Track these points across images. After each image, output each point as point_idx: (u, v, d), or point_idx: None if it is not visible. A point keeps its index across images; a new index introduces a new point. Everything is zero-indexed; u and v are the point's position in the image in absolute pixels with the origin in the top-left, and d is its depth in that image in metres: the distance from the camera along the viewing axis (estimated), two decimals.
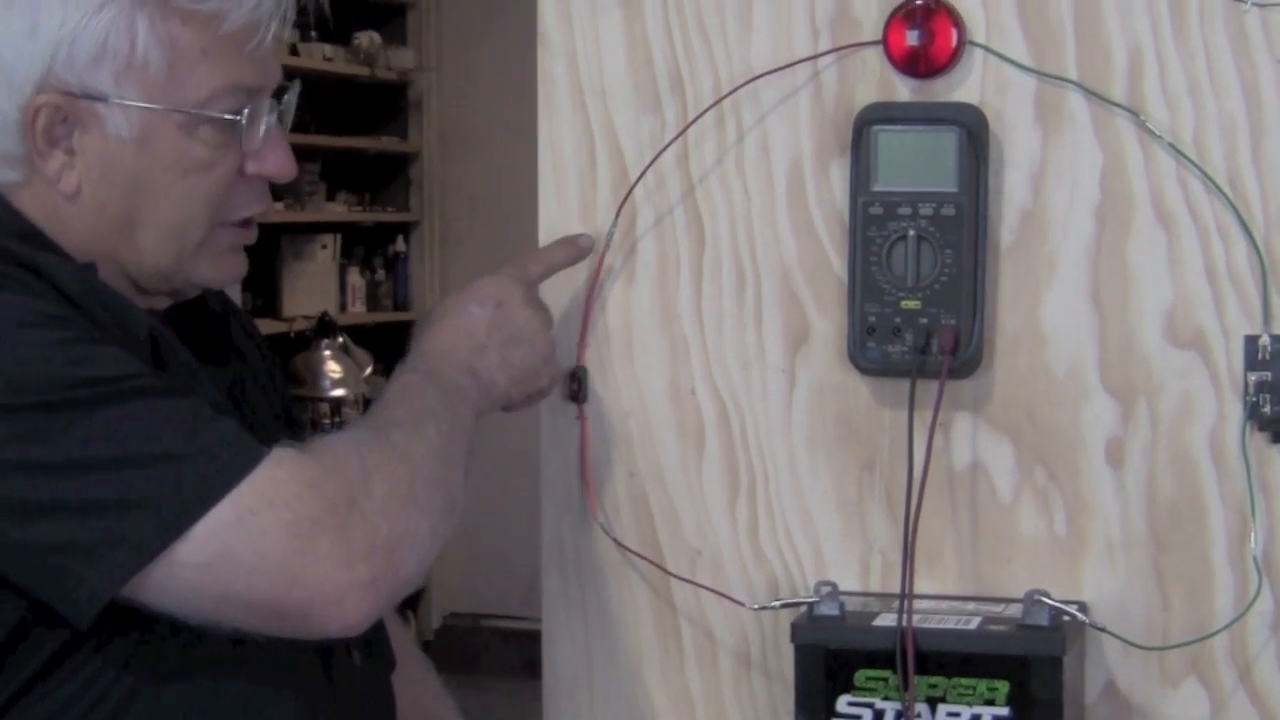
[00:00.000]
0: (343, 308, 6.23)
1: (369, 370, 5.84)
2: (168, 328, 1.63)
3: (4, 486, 1.42)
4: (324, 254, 6.15)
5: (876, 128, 1.68)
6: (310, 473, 1.45)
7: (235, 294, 2.00)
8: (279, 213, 5.58)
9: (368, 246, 6.43)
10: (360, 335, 6.06)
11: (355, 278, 6.31)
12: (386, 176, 6.44)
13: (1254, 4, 1.61)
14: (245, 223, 1.66)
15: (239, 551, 1.42)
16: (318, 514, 1.43)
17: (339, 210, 6.21)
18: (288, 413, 1.82)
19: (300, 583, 1.43)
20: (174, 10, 1.56)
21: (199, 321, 1.71)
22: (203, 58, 1.58)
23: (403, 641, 1.84)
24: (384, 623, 1.72)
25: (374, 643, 1.71)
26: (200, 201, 1.60)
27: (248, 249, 1.69)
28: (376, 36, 6.16)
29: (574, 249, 1.76)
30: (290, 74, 1.67)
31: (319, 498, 1.44)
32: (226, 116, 1.59)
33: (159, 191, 1.59)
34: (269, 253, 5.91)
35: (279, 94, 1.66)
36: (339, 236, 6.21)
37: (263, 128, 1.62)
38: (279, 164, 1.65)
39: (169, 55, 1.57)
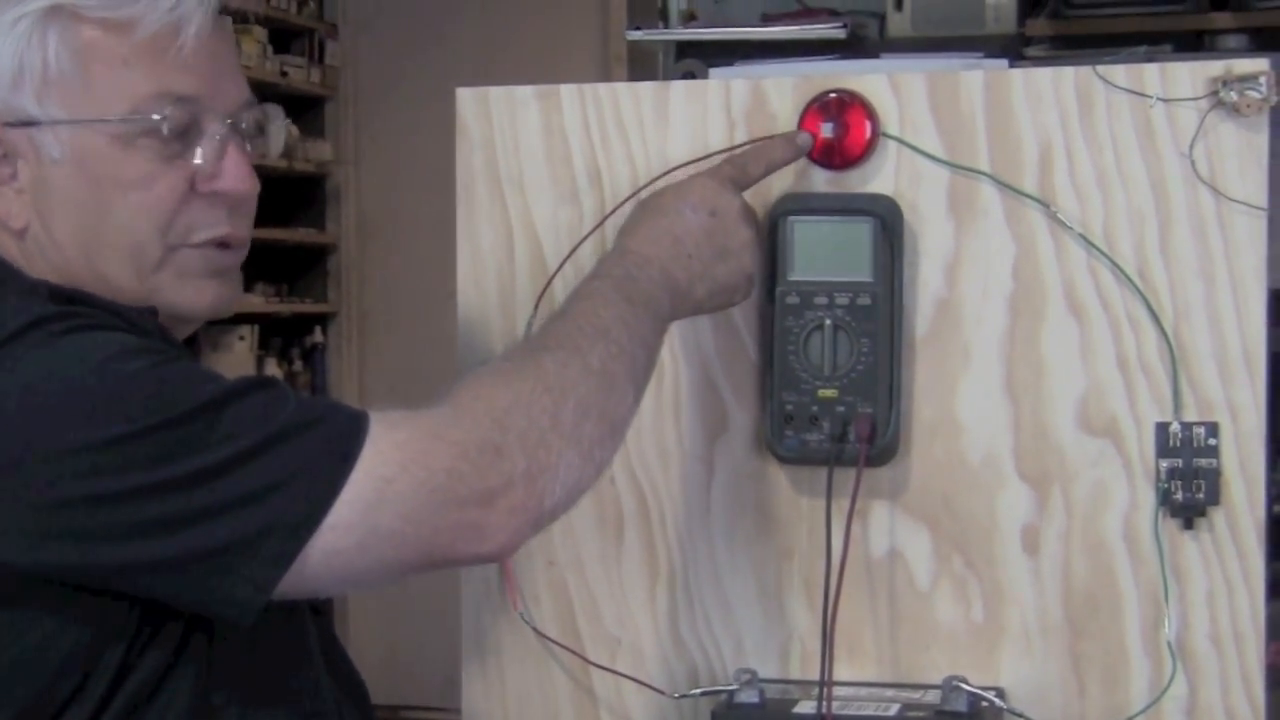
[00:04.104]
0: None
1: None
2: None
3: (156, 507, 1.40)
4: (241, 345, 6.11)
5: (792, 218, 1.70)
6: (432, 424, 1.45)
7: None
8: None
9: (285, 338, 6.40)
10: None
11: (273, 369, 6.26)
12: (304, 268, 6.42)
13: (1158, 99, 1.65)
14: (219, 245, 1.60)
15: (386, 523, 1.42)
16: (450, 463, 1.42)
17: (256, 301, 6.18)
18: None
19: (444, 530, 1.43)
20: (86, 20, 1.53)
21: None
22: (124, 66, 1.54)
23: None
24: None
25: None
26: (146, 220, 1.56)
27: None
28: (294, 128, 6.15)
29: (793, 146, 1.70)
30: None
31: (448, 447, 1.43)
32: (153, 118, 1.54)
33: (102, 212, 1.55)
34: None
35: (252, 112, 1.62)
36: (256, 328, 6.17)
37: (212, 141, 1.57)
38: (232, 179, 1.59)
39: (85, 66, 1.53)
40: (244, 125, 1.61)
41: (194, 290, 1.60)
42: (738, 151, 1.70)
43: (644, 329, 1.56)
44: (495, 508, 1.43)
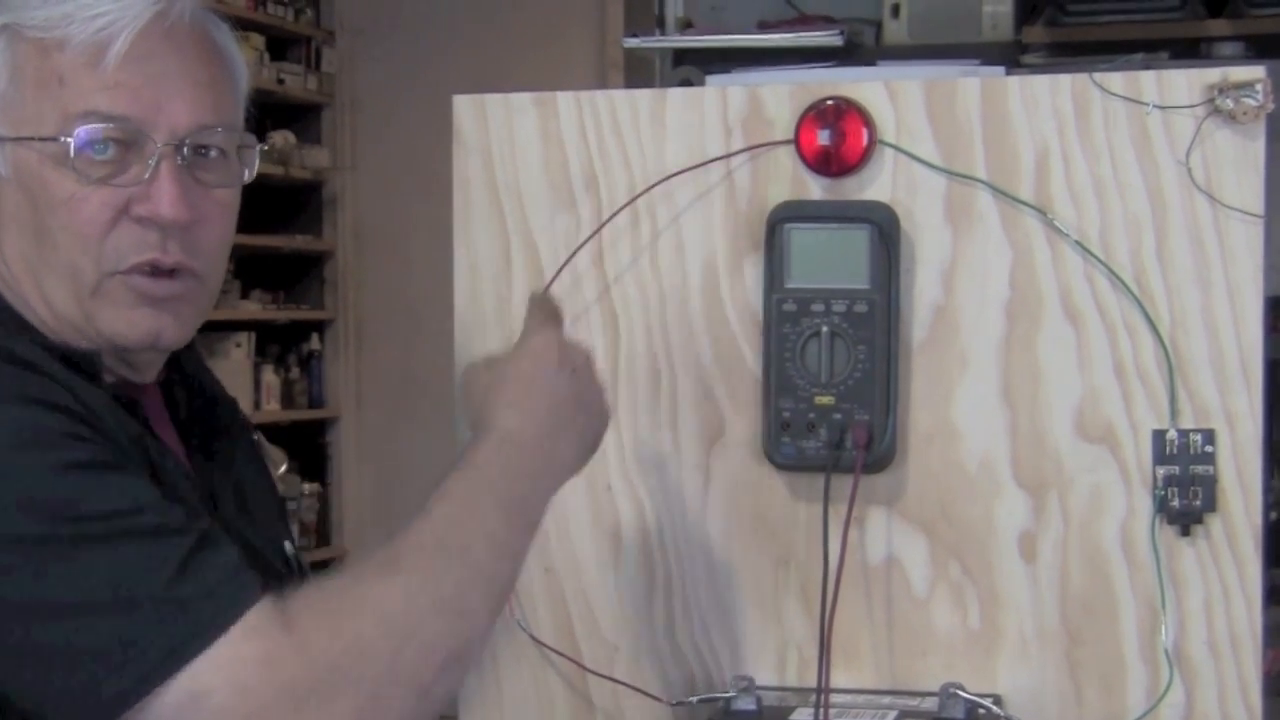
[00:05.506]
0: (257, 406, 6.19)
1: (283, 468, 5.78)
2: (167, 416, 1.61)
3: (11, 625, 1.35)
4: (238, 352, 6.12)
5: (789, 226, 1.70)
6: (271, 650, 1.36)
7: None
8: None
9: (282, 345, 6.41)
10: (275, 434, 6.02)
11: (269, 376, 6.27)
12: (301, 275, 6.43)
13: (1155, 106, 1.65)
14: (152, 272, 1.54)
15: None
16: (271, 699, 1.35)
17: (253, 308, 6.18)
18: (281, 505, 1.79)
19: None
20: (25, 38, 1.52)
21: (202, 406, 1.70)
22: (58, 85, 1.51)
23: None
24: None
25: None
26: (77, 242, 1.51)
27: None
28: (291, 136, 6.16)
29: (550, 304, 1.63)
30: None
31: (276, 681, 1.35)
32: (62, 140, 1.50)
33: (41, 232, 1.52)
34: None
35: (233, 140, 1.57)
36: (253, 335, 6.17)
37: (144, 163, 1.52)
38: (158, 203, 1.52)
39: (22, 83, 1.52)
40: (188, 149, 1.54)
41: (125, 321, 1.54)
42: (531, 307, 1.62)
43: (512, 537, 1.49)
44: None
